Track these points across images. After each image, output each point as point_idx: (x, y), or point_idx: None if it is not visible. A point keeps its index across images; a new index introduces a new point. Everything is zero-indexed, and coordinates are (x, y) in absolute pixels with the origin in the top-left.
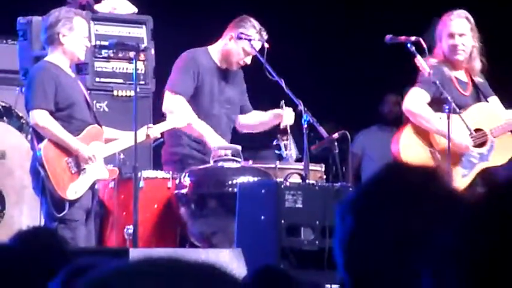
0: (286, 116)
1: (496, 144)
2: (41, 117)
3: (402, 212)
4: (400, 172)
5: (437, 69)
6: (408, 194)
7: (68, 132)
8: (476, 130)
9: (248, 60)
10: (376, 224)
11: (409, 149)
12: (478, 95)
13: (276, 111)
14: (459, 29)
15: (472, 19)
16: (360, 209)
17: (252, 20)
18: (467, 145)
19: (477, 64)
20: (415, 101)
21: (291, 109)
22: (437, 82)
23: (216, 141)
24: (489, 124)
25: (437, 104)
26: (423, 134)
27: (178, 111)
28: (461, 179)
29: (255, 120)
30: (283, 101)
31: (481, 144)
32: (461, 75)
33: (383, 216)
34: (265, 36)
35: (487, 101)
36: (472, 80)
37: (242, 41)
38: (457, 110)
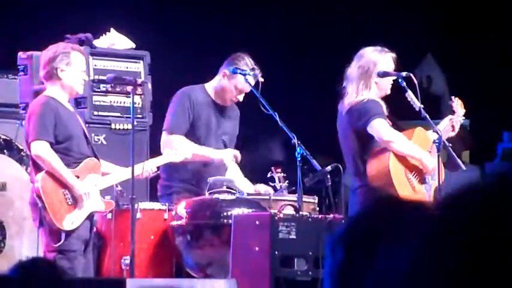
0: (262, 188)
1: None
2: (41, 149)
3: (391, 245)
4: (388, 206)
5: (377, 102)
6: (396, 227)
7: (65, 167)
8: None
9: (241, 97)
10: (365, 257)
11: (398, 176)
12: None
13: (255, 186)
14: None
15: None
16: (349, 242)
17: (246, 57)
18: (434, 168)
19: None
20: (385, 130)
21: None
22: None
23: (220, 154)
24: (426, 146)
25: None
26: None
27: (175, 148)
28: (426, 198)
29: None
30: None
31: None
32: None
33: (372, 249)
34: (259, 73)
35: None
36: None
37: (236, 78)
38: (446, 143)
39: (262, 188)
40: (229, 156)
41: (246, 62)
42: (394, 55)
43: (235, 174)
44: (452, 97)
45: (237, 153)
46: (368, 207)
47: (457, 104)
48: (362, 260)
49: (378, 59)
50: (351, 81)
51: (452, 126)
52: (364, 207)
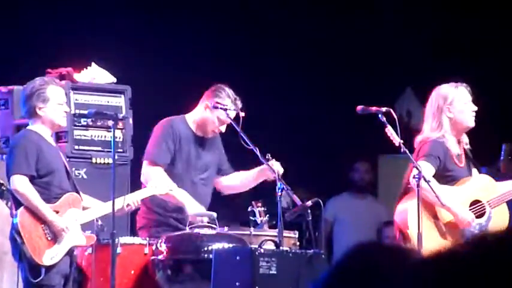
0: (275, 166)
1: (493, 214)
2: (20, 183)
3: None
4: (371, 253)
5: (439, 143)
6: (379, 274)
7: (43, 202)
8: (475, 202)
9: (223, 128)
10: None
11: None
12: (469, 165)
13: (261, 167)
14: (468, 97)
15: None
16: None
17: (227, 88)
18: (469, 221)
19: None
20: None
21: (277, 163)
22: (440, 156)
23: (194, 208)
24: (487, 195)
25: (436, 176)
26: (428, 207)
27: (155, 180)
28: None
29: (238, 180)
30: (268, 154)
31: (479, 216)
32: (455, 147)
33: None
34: (240, 105)
35: (478, 170)
36: (464, 151)
37: (217, 110)
38: (426, 178)
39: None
40: (198, 212)
41: (228, 93)
42: (467, 87)
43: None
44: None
45: (213, 216)
46: (349, 253)
47: None
48: None
49: (448, 92)
50: (426, 119)
51: None
52: (347, 252)
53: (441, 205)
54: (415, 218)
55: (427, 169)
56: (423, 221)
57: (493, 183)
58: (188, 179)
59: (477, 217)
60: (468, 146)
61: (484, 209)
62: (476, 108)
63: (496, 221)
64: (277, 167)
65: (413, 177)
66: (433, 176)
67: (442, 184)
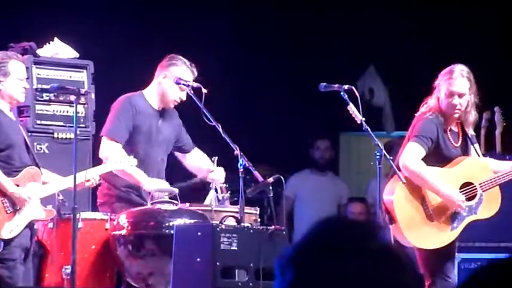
0: (216, 173)
1: (484, 197)
2: None
3: (339, 266)
4: (338, 227)
5: (434, 121)
6: (345, 248)
7: (3, 175)
8: (467, 184)
9: (183, 95)
10: (315, 277)
11: (402, 201)
12: (467, 147)
13: (210, 167)
14: (460, 89)
15: (472, 76)
16: (299, 263)
17: (182, 57)
18: (460, 204)
19: (471, 117)
20: (412, 157)
21: (222, 169)
22: (432, 137)
23: (151, 184)
24: (478, 178)
25: (428, 155)
26: (416, 189)
27: (115, 156)
28: (450, 232)
29: (196, 165)
30: (215, 157)
31: (470, 198)
32: (453, 125)
33: (321, 270)
34: (196, 73)
35: (477, 153)
36: (463, 131)
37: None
38: (388, 156)
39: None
40: (155, 189)
41: (184, 61)
42: (462, 72)
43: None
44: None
45: (165, 185)
46: (316, 228)
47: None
48: (312, 281)
49: (440, 75)
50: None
51: None
52: (312, 227)
53: (430, 188)
54: (402, 199)
55: (417, 151)
56: (410, 203)
57: (486, 165)
58: (148, 154)
59: (468, 199)
60: (471, 131)
61: (476, 191)
62: (458, 102)
63: (488, 204)
64: (220, 174)
65: (375, 154)
66: (426, 154)
67: (434, 162)
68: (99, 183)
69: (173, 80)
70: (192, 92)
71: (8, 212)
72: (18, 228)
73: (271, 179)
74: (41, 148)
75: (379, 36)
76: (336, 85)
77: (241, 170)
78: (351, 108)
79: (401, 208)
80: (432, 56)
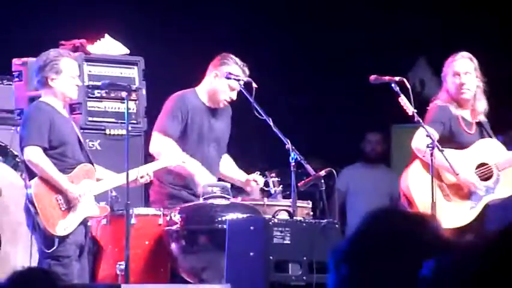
0: (257, 182)
1: (502, 177)
2: (34, 154)
3: (395, 260)
4: (392, 220)
5: (445, 109)
6: (400, 241)
7: (58, 171)
8: (482, 164)
9: (234, 95)
10: (371, 273)
11: (419, 184)
12: (482, 133)
13: (245, 177)
14: (463, 68)
15: (475, 60)
16: (354, 258)
17: (233, 56)
18: (473, 183)
19: (480, 105)
20: (423, 139)
21: (262, 178)
22: (445, 121)
23: (205, 179)
24: (494, 158)
25: (444, 141)
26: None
27: (167, 152)
28: (469, 211)
29: (226, 171)
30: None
31: (487, 178)
32: (467, 114)
33: (376, 263)
34: (248, 72)
35: (490, 136)
36: (477, 120)
37: (225, 78)
38: (439, 147)
39: (254, 178)
40: (214, 186)
41: (235, 61)
42: (467, 57)
43: (230, 166)
44: None
45: (227, 186)
46: (367, 221)
47: None
48: (368, 276)
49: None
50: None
51: None
52: (365, 220)
53: (443, 167)
54: (417, 183)
55: (425, 134)
56: (427, 184)
57: (501, 147)
58: (200, 151)
59: (485, 179)
60: (483, 118)
61: (492, 171)
62: (465, 80)
63: (505, 183)
64: (259, 181)
65: (427, 146)
66: (439, 140)
67: (449, 148)
68: (151, 180)
69: (222, 74)
70: (243, 86)
71: (63, 209)
72: (72, 225)
73: (323, 172)
74: (93, 145)
75: (431, 27)
76: (387, 77)
77: (293, 163)
78: (402, 99)
79: (418, 191)
80: (483, 47)
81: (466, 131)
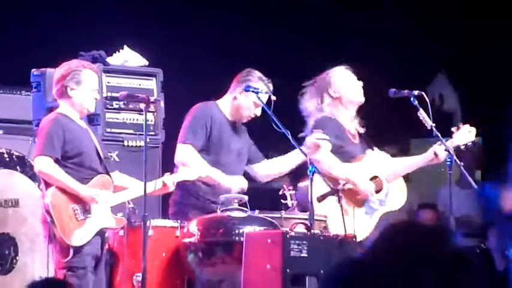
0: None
1: (390, 189)
2: (43, 164)
3: (413, 272)
4: (410, 233)
5: (333, 121)
6: (418, 255)
7: (69, 176)
8: (374, 177)
9: (258, 111)
10: (389, 285)
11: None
12: (363, 144)
13: (296, 150)
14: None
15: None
16: (371, 270)
17: (257, 72)
18: (371, 191)
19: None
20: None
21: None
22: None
23: (230, 182)
24: (383, 171)
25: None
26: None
27: (190, 164)
28: (365, 223)
29: (273, 166)
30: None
31: (377, 191)
32: (351, 127)
33: (395, 276)
34: (272, 88)
35: (372, 150)
36: (358, 131)
37: (251, 94)
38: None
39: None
40: (237, 186)
41: (260, 77)
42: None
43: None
44: (461, 124)
45: (245, 184)
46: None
47: (462, 131)
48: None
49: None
50: None
51: (435, 154)
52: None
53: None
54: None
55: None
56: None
57: (387, 159)
58: (221, 162)
59: (376, 192)
60: (359, 128)
61: (382, 184)
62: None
63: (394, 195)
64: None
65: (445, 160)
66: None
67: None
68: (171, 192)
69: (243, 87)
70: (261, 99)
71: (79, 219)
72: (88, 235)
73: (340, 185)
74: (111, 156)
75: (451, 42)
76: (406, 91)
77: (311, 176)
78: (421, 114)
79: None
80: (503, 62)
81: (352, 141)
